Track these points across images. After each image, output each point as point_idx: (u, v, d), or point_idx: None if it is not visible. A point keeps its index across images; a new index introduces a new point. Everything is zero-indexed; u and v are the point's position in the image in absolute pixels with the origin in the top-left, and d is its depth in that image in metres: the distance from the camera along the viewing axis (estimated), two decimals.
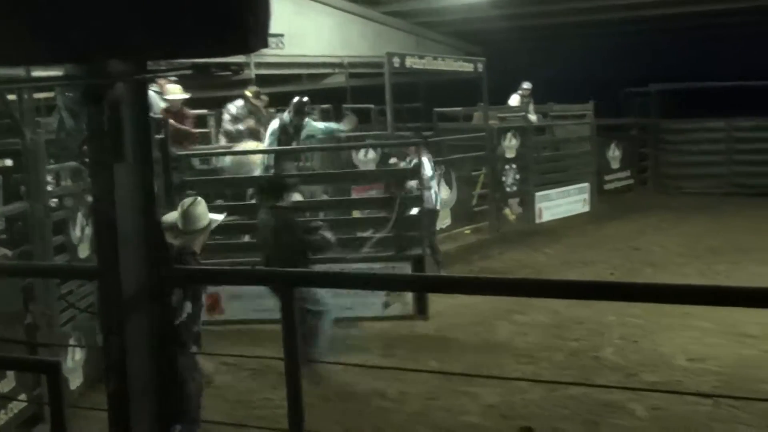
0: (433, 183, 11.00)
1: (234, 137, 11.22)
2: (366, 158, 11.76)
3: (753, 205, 16.12)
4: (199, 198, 5.47)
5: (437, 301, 9.24)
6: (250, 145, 10.81)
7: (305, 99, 10.72)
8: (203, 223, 5.29)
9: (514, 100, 16.58)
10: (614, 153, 17.41)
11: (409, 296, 8.93)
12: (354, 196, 11.18)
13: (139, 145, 3.02)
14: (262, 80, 15.35)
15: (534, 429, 6.21)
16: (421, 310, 9.06)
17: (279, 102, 14.15)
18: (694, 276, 10.52)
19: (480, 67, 14.18)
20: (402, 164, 10.88)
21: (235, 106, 11.41)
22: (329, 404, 6.69)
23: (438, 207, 11.25)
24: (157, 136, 8.07)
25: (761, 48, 19.80)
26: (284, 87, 17.95)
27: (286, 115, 10.61)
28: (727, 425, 6.06)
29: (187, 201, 5.40)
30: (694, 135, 18.44)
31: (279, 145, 10.39)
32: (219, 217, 5.52)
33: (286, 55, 15.71)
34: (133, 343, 3.05)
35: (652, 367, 7.42)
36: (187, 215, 5.27)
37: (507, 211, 14.39)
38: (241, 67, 13.17)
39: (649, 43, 21.70)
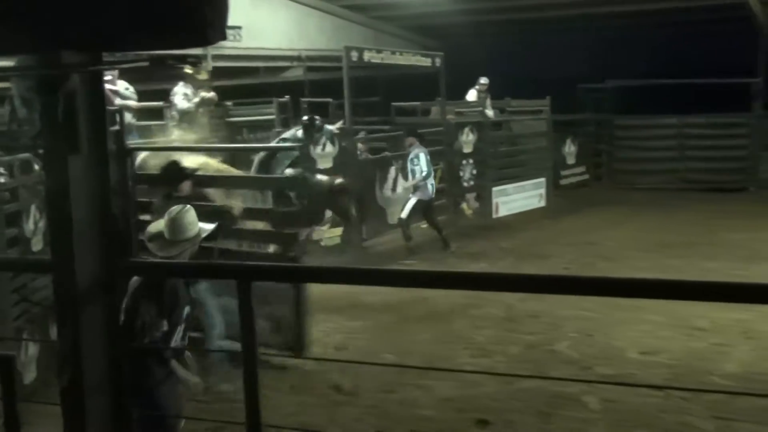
0: (431, 176, 12.32)
1: (187, 116, 11.22)
2: (324, 152, 11.74)
3: (703, 200, 16.45)
4: (188, 206, 5.07)
5: (395, 295, 9.28)
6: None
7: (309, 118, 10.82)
8: (192, 232, 4.95)
9: (472, 95, 16.65)
10: (570, 149, 17.60)
11: None
12: None
13: (95, 137, 3.00)
14: (219, 73, 15.27)
15: (489, 421, 6.27)
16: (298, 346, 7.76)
17: (236, 95, 14.11)
18: (647, 270, 10.67)
19: (438, 61, 14.24)
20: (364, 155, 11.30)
21: (181, 87, 11.33)
22: (284, 397, 6.68)
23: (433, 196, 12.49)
24: (112, 128, 7.97)
25: (712, 46, 20.10)
26: (241, 80, 17.88)
27: (299, 134, 10.64)
28: (677, 416, 6.17)
29: (175, 209, 5.00)
30: (647, 131, 18.74)
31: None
32: (209, 227, 5.17)
33: (243, 48, 15.60)
34: (87, 336, 3.03)
35: (606, 360, 7.53)
36: (174, 224, 4.91)
37: (464, 205, 14.50)
38: (199, 59, 13.09)
39: (605, 40, 21.90)
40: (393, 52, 13.96)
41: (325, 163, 11.74)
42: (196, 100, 11.34)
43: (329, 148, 11.79)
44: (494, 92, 16.72)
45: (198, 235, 4.99)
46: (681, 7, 18.83)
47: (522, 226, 14.18)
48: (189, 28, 2.49)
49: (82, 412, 3.05)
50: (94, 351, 3.05)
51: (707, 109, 17.93)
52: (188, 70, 11.26)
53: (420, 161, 12.32)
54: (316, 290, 9.32)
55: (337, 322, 8.86)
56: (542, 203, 15.75)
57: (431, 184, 12.46)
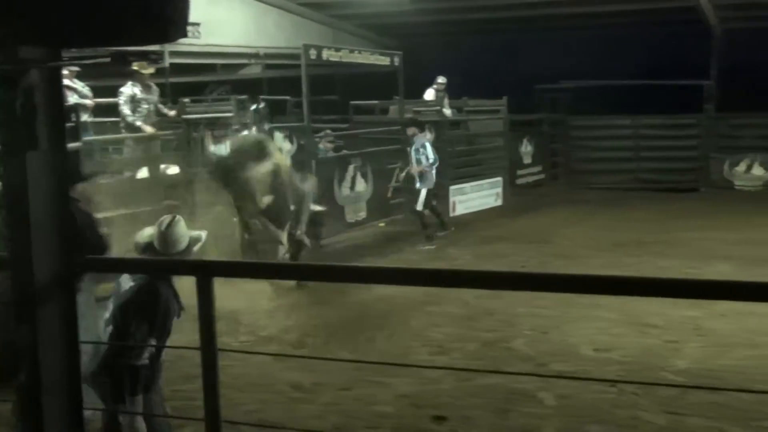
0: (437, 163, 13.22)
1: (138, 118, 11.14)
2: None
3: (656, 199, 16.76)
4: (178, 216, 4.97)
5: (351, 293, 9.32)
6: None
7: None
8: (183, 245, 4.87)
9: (429, 94, 16.73)
10: (527, 148, 17.77)
11: None
12: None
13: (53, 133, 2.98)
14: (176, 69, 15.15)
15: (446, 418, 6.32)
16: None
17: (193, 92, 14.01)
18: (602, 268, 10.83)
19: (396, 60, 14.29)
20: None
21: (128, 88, 11.22)
22: (243, 395, 6.68)
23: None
24: (69, 124, 7.89)
25: (666, 48, 20.42)
26: (199, 77, 17.76)
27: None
28: (630, 411, 6.28)
29: (165, 220, 4.91)
30: (602, 132, 19.01)
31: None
32: (202, 235, 5.05)
33: (201, 45, 15.51)
34: (45, 333, 3.01)
35: (561, 357, 7.63)
36: (165, 238, 4.84)
37: None
38: (159, 56, 12.99)
39: (561, 41, 22.12)
40: (352, 51, 13.97)
41: None
42: (144, 107, 11.24)
43: (287, 146, 11.78)
44: (452, 91, 16.82)
45: (189, 246, 4.90)
46: (635, 9, 19.10)
47: (479, 225, 14.29)
48: (150, 25, 2.50)
49: (40, 410, 3.03)
50: (53, 348, 3.03)
51: (661, 110, 18.25)
52: (135, 67, 11.12)
53: (427, 150, 13.09)
54: (275, 286, 9.35)
55: (296, 319, 8.86)
56: (499, 202, 15.89)
57: (434, 172, 13.26)
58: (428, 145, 13.20)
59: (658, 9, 18.83)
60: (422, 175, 13.03)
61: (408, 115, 14.69)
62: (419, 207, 13.08)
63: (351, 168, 13.10)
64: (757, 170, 17.66)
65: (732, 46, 18.94)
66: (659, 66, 19.55)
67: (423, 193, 13.13)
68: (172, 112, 11.76)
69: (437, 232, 13.15)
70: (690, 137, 18.34)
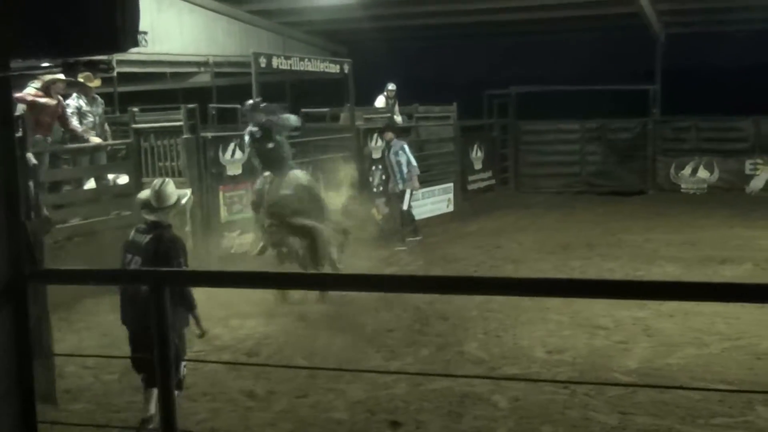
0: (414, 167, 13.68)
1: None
2: (233, 158, 11.68)
3: (604, 203, 17.04)
4: (168, 179, 6.48)
5: (307, 300, 9.33)
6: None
7: (254, 100, 10.61)
8: (173, 200, 6.15)
9: (380, 101, 16.80)
10: (477, 154, 17.89)
11: None
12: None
13: (2, 143, 2.96)
14: (124, 78, 15.02)
15: (400, 423, 6.35)
16: None
17: (142, 100, 13.88)
18: (551, 271, 10.98)
19: (346, 68, 14.31)
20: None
21: (73, 100, 11.09)
22: (195, 404, 6.64)
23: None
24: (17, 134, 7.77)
25: (613, 54, 20.78)
26: (147, 85, 17.60)
27: (250, 127, 10.25)
28: (582, 411, 6.37)
29: (158, 181, 6.26)
30: (550, 136, 19.24)
31: (259, 155, 10.10)
32: (187, 192, 6.54)
33: (149, 53, 15.38)
34: None
35: (513, 360, 7.71)
36: (158, 194, 6.10)
37: (374, 211, 14.58)
38: (110, 65, 12.84)
39: (510, 46, 22.39)
40: (302, 59, 13.97)
41: (234, 170, 11.68)
42: (90, 119, 11.12)
43: (238, 154, 11.73)
44: (402, 98, 16.90)
45: (178, 201, 6.19)
46: (582, 15, 19.39)
47: (431, 231, 14.37)
48: (100, 35, 2.50)
49: None
50: (3, 356, 3.00)
51: (608, 115, 18.55)
52: (81, 79, 10.98)
53: (406, 152, 13.59)
54: (229, 296, 9.30)
55: (250, 327, 8.83)
56: (450, 208, 16.00)
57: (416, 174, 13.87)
58: (406, 148, 13.70)
59: (604, 15, 19.14)
60: (404, 178, 13.51)
61: (358, 122, 14.72)
62: (405, 206, 13.63)
63: None
64: (702, 173, 18.02)
65: (676, 51, 19.33)
66: (606, 71, 19.87)
67: (408, 193, 13.65)
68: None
69: (411, 236, 13.55)
70: (636, 141, 18.64)
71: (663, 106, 18.90)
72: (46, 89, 10.34)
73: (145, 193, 6.28)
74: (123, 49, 2.54)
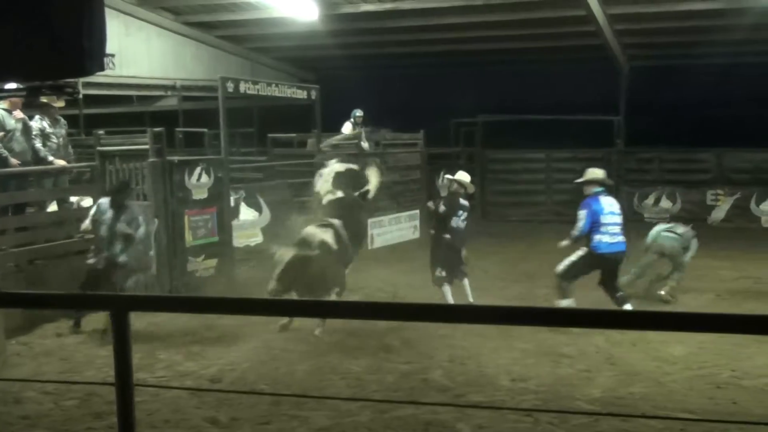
0: None
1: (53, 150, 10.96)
2: (199, 182, 11.62)
3: (568, 232, 17.07)
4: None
5: (271, 327, 9.27)
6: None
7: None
8: None
9: (347, 127, 16.85)
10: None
11: None
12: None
13: None
14: (90, 100, 14.93)
15: None
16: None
17: (108, 123, 13.81)
18: (517, 299, 11.02)
19: (313, 94, 14.34)
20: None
21: (36, 122, 11.00)
22: (158, 431, 6.56)
23: None
24: None
25: (579, 85, 21.03)
26: (114, 108, 17.53)
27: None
28: None
29: None
30: (517, 165, 19.41)
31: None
32: None
33: (116, 76, 15.32)
34: None
35: (478, 387, 7.71)
36: None
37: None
38: (76, 88, 12.73)
39: (477, 75, 22.59)
40: (269, 84, 13.97)
41: (200, 194, 11.62)
42: (54, 141, 11.05)
43: (204, 179, 11.68)
44: (369, 125, 16.96)
45: None
46: (549, 46, 19.66)
47: (397, 258, 14.37)
48: (66, 59, 2.48)
49: None
50: None
51: (573, 145, 18.76)
52: (44, 100, 10.87)
53: None
54: (192, 322, 9.22)
55: (213, 354, 8.75)
56: (416, 235, 16.03)
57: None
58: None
59: (570, 47, 19.45)
60: None
61: (325, 148, 14.74)
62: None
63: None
64: (665, 203, 18.25)
65: (639, 83, 19.65)
66: (572, 101, 20.10)
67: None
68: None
69: None
70: None
71: (627, 137, 19.17)
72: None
73: None
74: (89, 73, 2.53)
